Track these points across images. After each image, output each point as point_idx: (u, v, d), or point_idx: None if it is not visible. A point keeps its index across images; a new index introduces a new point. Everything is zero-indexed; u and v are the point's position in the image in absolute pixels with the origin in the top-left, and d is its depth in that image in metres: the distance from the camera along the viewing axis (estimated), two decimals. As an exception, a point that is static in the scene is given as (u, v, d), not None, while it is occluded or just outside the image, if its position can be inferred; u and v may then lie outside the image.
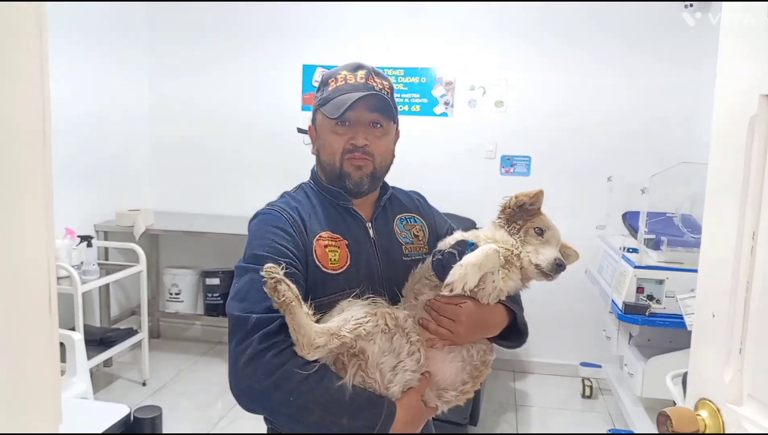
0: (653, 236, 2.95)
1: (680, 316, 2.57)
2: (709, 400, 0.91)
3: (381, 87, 1.34)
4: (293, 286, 1.08)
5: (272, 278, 1.05)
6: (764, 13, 0.83)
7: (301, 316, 1.07)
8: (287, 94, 4.17)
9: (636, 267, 2.80)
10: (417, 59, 3.99)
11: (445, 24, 3.94)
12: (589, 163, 3.84)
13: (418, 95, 3.99)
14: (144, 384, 3.62)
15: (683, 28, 3.63)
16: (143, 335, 3.64)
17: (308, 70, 4.13)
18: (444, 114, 4.00)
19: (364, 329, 1.11)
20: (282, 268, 1.08)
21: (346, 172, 1.32)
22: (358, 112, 1.30)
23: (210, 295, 4.16)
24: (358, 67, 1.35)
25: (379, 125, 1.34)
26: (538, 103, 3.89)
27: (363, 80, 1.32)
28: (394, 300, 1.29)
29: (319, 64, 4.10)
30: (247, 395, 1.12)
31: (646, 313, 2.73)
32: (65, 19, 3.52)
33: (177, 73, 4.32)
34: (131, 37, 4.17)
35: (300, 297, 1.09)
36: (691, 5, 3.46)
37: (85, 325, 3.16)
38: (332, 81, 1.34)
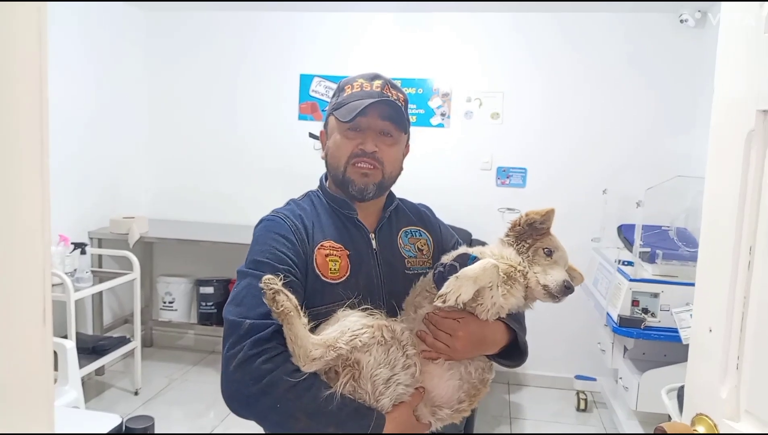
0: (648, 249, 2.95)
1: (675, 330, 2.57)
2: (706, 416, 0.91)
3: (396, 98, 1.34)
4: (292, 297, 1.08)
5: (271, 289, 1.05)
6: (761, 30, 0.84)
7: (298, 328, 1.07)
8: (284, 103, 4.18)
9: (631, 280, 2.80)
10: (414, 70, 4.00)
11: (442, 35, 3.96)
12: (584, 175, 3.86)
13: (414, 106, 4.00)
14: (136, 393, 3.59)
15: (680, 42, 3.66)
16: (136, 344, 3.61)
17: (305, 80, 4.13)
18: (440, 125, 4.01)
19: (360, 341, 1.11)
20: (281, 279, 1.08)
21: (350, 178, 1.33)
22: (371, 118, 1.30)
23: (204, 303, 4.14)
24: (375, 77, 1.36)
25: (389, 135, 1.34)
26: (534, 115, 3.91)
27: (379, 89, 1.33)
28: (393, 313, 1.28)
29: (316, 73, 4.11)
30: (236, 400, 1.12)
31: (641, 327, 2.72)
32: (60, 25, 3.52)
33: (173, 81, 4.32)
34: (129, 45, 4.18)
35: (299, 308, 1.09)
36: (686, 20, 3.49)
37: (77, 333, 3.14)
38: (348, 87, 1.35)
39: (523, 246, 1.30)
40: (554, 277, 1.24)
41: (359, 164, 1.31)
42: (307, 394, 1.10)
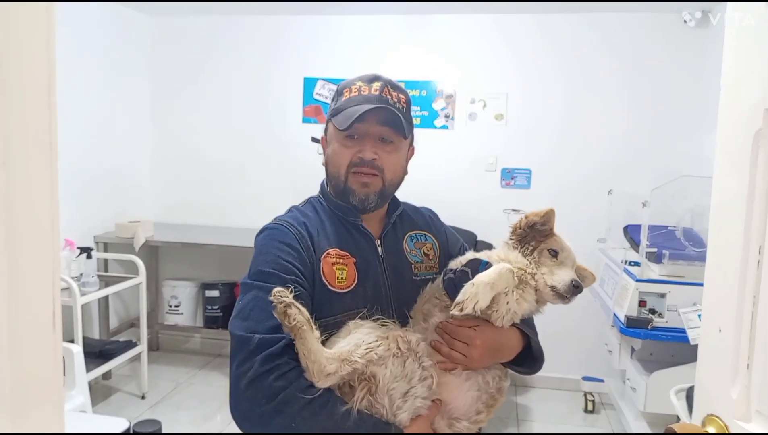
0: (655, 249, 2.94)
1: (683, 330, 2.56)
2: (717, 417, 0.90)
3: (396, 100, 1.29)
4: (304, 310, 1.03)
5: (281, 303, 1.01)
6: (769, 28, 0.84)
7: (312, 342, 1.03)
8: (288, 106, 4.18)
9: (637, 280, 2.79)
10: (417, 72, 4.00)
11: (445, 37, 3.97)
12: (590, 175, 3.85)
13: (418, 108, 4.00)
14: (143, 397, 3.60)
15: (685, 42, 3.65)
16: (142, 348, 3.62)
17: (309, 83, 4.14)
18: (444, 127, 4.01)
19: (375, 354, 1.07)
20: (291, 291, 1.04)
21: (351, 187, 1.28)
22: (368, 124, 1.25)
23: (209, 307, 4.15)
24: (374, 79, 1.30)
25: (389, 141, 1.28)
26: (538, 116, 3.90)
27: (377, 92, 1.27)
28: (402, 320, 1.24)
29: (320, 76, 4.11)
30: (248, 419, 1.07)
31: (648, 327, 2.71)
32: (66, 30, 3.53)
33: (178, 85, 4.33)
34: (134, 50, 4.19)
35: (311, 321, 1.04)
36: (692, 20, 3.48)
37: (84, 338, 3.14)
38: (347, 91, 1.30)
39: (528, 248, 1.26)
40: (561, 277, 1.20)
41: (359, 173, 1.26)
42: (323, 411, 1.05)
